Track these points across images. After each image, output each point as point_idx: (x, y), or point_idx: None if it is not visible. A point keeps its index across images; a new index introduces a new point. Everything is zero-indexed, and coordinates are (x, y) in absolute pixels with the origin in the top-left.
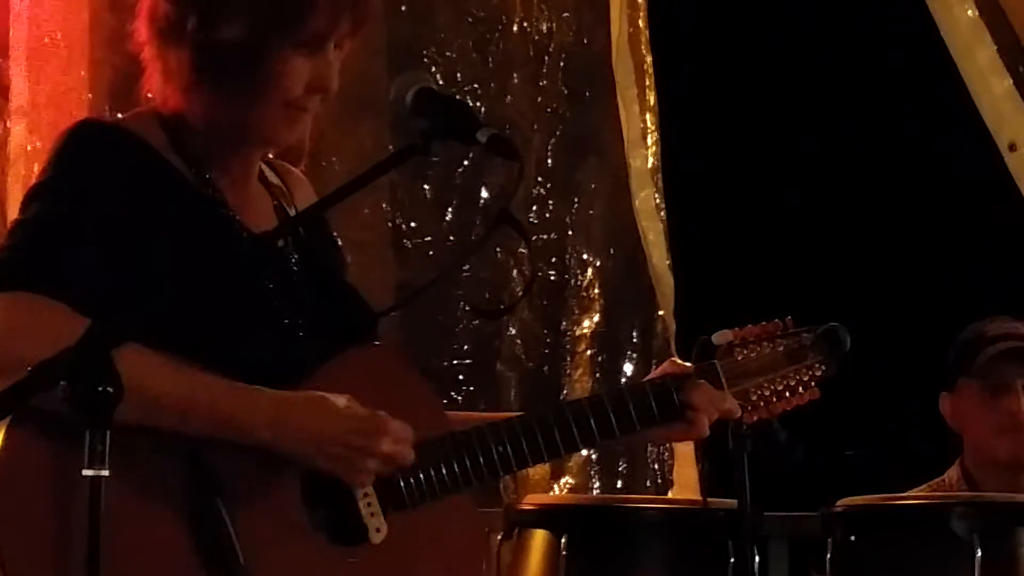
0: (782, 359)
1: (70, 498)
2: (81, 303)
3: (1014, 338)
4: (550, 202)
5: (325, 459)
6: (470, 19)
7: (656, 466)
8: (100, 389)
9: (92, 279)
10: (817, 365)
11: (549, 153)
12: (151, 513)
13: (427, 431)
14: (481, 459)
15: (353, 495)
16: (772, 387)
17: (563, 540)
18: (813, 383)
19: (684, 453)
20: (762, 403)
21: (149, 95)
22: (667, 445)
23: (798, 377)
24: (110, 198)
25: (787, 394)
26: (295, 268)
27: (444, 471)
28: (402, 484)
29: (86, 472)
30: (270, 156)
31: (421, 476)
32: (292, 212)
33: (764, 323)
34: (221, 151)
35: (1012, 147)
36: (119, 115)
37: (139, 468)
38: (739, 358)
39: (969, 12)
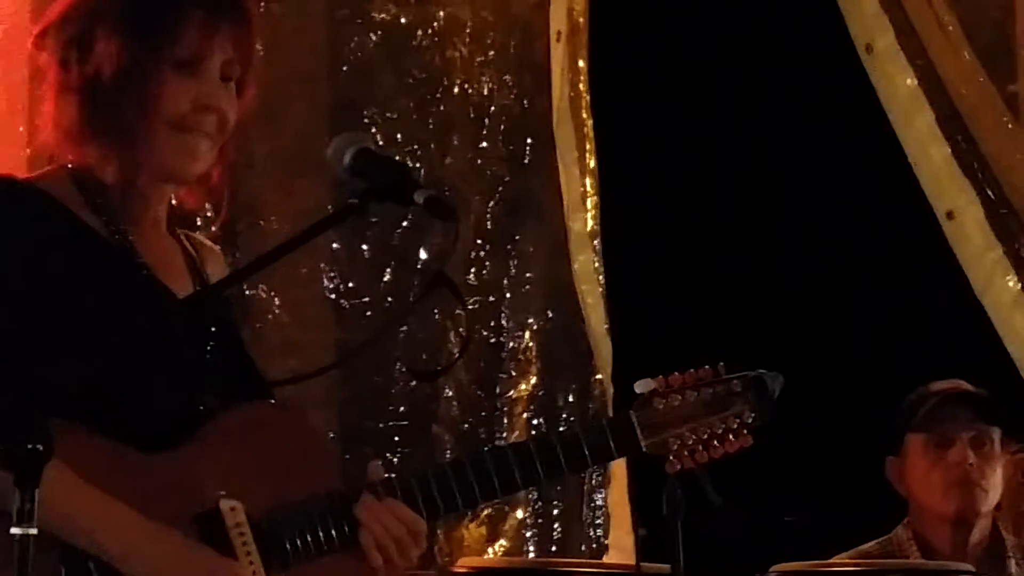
0: (708, 407)
1: None
2: None
3: (962, 391)
4: (488, 264)
5: None
6: (411, 80)
7: (591, 531)
8: (30, 447)
9: None
10: (746, 413)
11: (488, 215)
12: None
13: (318, 487)
14: None
15: (236, 555)
16: (695, 435)
17: None
18: (744, 431)
19: (620, 517)
20: (685, 452)
21: (42, 129)
22: (603, 509)
23: (725, 425)
24: (16, 259)
25: (714, 442)
26: (211, 331)
27: (331, 529)
28: (287, 544)
29: (14, 530)
30: (188, 233)
31: (308, 535)
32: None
33: (694, 370)
34: (130, 202)
35: (950, 215)
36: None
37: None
38: (659, 407)
39: (908, 81)
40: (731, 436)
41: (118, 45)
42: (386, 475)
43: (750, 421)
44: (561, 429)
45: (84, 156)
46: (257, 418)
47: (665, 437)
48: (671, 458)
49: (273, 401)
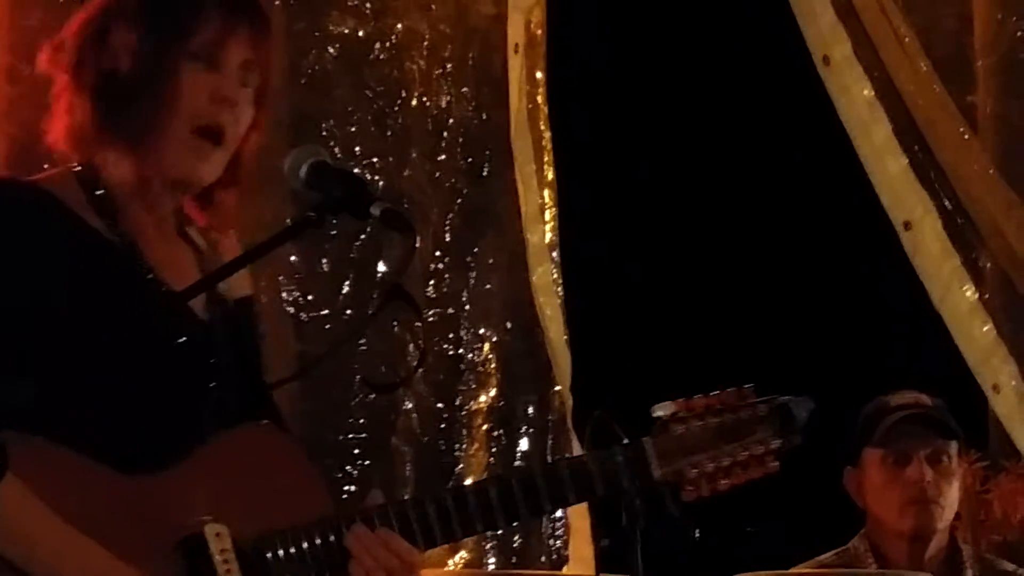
0: (730, 433)
1: None
2: None
3: (920, 407)
4: (447, 276)
5: None
6: (369, 93)
7: (551, 542)
8: None
9: None
10: (771, 439)
11: (447, 227)
12: None
13: (308, 513)
14: None
15: None
16: (715, 463)
17: None
18: (770, 458)
19: (580, 529)
20: (704, 480)
21: (53, 152)
22: (562, 521)
23: (749, 451)
24: (14, 262)
25: (736, 469)
26: (212, 335)
27: (321, 559)
28: (274, 573)
29: None
30: (201, 228)
31: (296, 565)
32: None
33: (719, 392)
34: (138, 205)
35: (907, 225)
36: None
37: None
38: (677, 433)
39: (865, 92)
40: (755, 463)
41: (135, 36)
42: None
43: (775, 447)
44: (563, 458)
45: (96, 157)
46: (247, 440)
47: (681, 465)
48: (688, 487)
49: (266, 422)
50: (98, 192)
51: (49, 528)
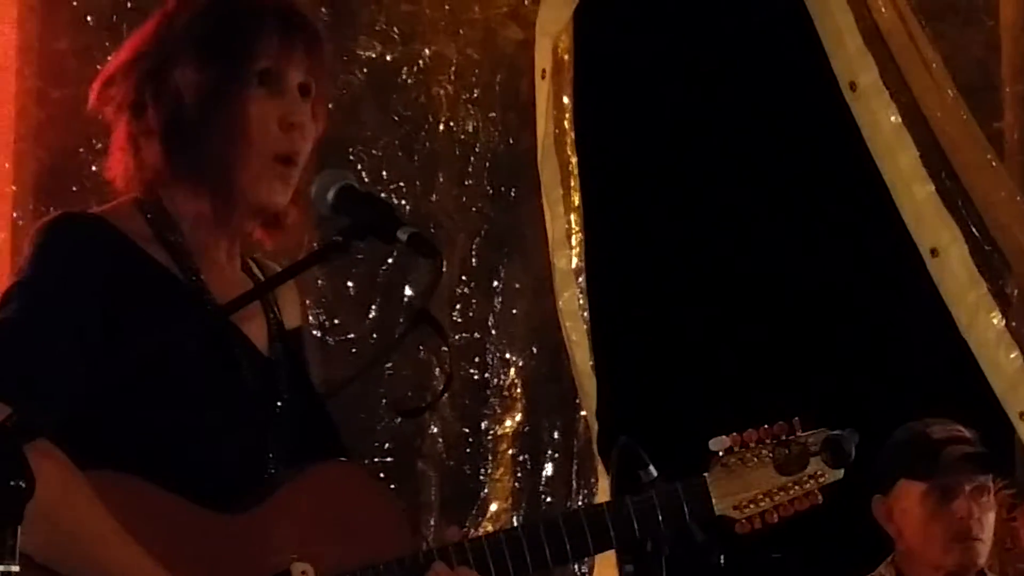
0: (782, 467)
1: None
2: (40, 410)
3: (964, 442)
4: (473, 301)
5: None
6: (396, 118)
7: (576, 567)
8: (11, 484)
9: (57, 386)
10: (819, 472)
11: (473, 252)
12: None
13: (391, 551)
14: None
15: None
16: (769, 499)
17: None
18: (816, 490)
19: (604, 555)
20: (757, 515)
21: (113, 181)
22: None
23: (799, 485)
24: (84, 299)
25: (786, 502)
26: (276, 370)
27: None
28: None
29: None
30: (260, 261)
31: None
32: (276, 315)
33: (767, 426)
34: (205, 237)
35: (934, 252)
36: (43, 208)
37: None
38: (733, 468)
39: (892, 118)
40: (804, 496)
41: (197, 69)
42: (460, 539)
43: (822, 480)
44: (626, 496)
45: (172, 196)
46: (329, 479)
47: (739, 499)
48: (742, 521)
49: (344, 459)
50: (165, 227)
51: (119, 546)
